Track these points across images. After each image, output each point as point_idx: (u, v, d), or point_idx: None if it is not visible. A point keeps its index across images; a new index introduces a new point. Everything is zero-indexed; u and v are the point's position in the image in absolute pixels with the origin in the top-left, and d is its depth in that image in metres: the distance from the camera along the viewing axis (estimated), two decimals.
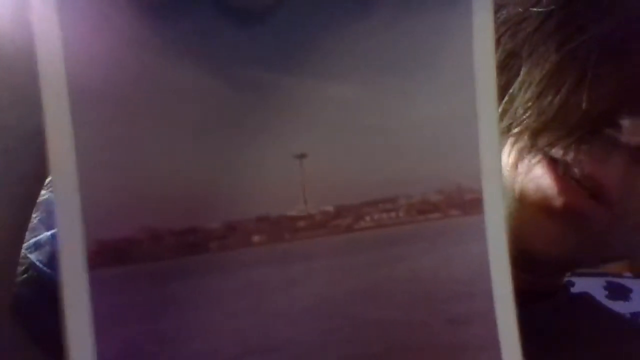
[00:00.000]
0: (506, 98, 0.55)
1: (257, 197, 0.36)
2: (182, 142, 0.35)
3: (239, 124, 0.36)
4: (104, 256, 0.35)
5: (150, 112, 0.35)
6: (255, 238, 0.36)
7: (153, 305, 0.35)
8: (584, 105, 0.50)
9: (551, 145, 0.53)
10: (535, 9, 0.53)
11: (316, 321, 0.36)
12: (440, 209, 0.37)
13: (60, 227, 0.34)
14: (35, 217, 0.51)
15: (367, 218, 0.37)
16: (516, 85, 0.54)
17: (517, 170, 0.56)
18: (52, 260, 0.56)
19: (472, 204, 0.37)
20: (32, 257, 0.56)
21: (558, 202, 0.54)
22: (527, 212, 0.56)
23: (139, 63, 0.34)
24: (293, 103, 0.36)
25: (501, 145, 0.53)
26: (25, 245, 0.52)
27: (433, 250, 0.37)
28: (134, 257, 0.35)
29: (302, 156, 0.36)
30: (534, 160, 0.55)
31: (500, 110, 0.54)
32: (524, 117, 0.53)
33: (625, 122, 0.51)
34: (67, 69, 0.33)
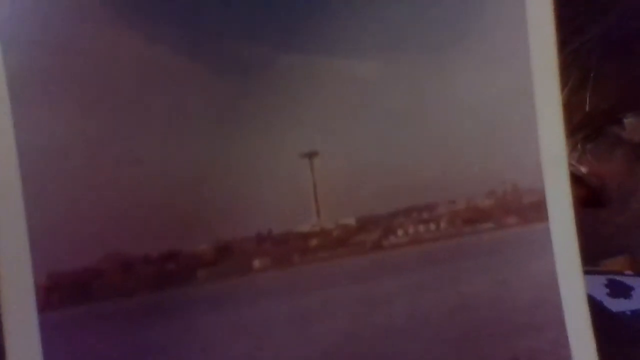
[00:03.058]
0: None
1: (257, 209, 0.28)
2: (158, 141, 0.27)
3: (231, 116, 0.28)
4: (58, 293, 0.26)
5: (115, 104, 0.27)
6: (256, 263, 0.28)
7: (123, 356, 0.27)
8: (587, 104, 0.53)
9: None
10: None
11: None
12: (492, 217, 0.29)
13: (1, 257, 0.26)
14: None
15: (399, 232, 0.28)
16: None
17: None
18: None
19: (533, 209, 0.29)
20: None
21: None
22: None
23: (94, 38, 0.26)
24: (299, 88, 0.28)
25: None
26: None
27: (486, 271, 0.29)
28: (97, 294, 0.27)
29: (312, 155, 0.28)
30: None
31: None
32: None
33: (628, 120, 0.53)
34: (5, 54, 0.26)
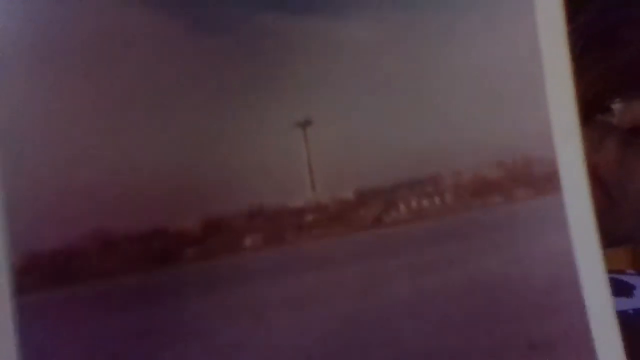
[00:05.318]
0: None
1: (247, 183, 0.26)
2: (140, 110, 0.26)
3: (218, 83, 0.26)
4: (37, 274, 0.25)
5: (90, 71, 0.26)
6: (247, 240, 0.26)
7: (105, 341, 0.25)
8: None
9: None
10: None
11: (336, 354, 0.25)
12: (501, 189, 0.26)
13: None
14: None
15: (401, 206, 0.26)
16: None
17: None
18: None
19: (545, 180, 0.26)
20: None
21: None
22: None
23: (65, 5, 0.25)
24: (291, 52, 0.26)
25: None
26: None
27: (497, 248, 0.26)
28: (78, 274, 0.25)
29: (305, 123, 0.26)
30: None
31: None
32: None
33: (617, 106, 0.53)
34: None
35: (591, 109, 0.54)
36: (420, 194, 0.26)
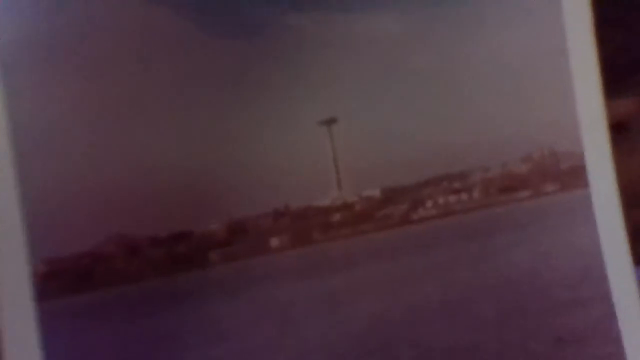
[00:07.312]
0: None
1: (272, 183, 0.25)
2: (162, 112, 0.25)
3: (240, 83, 0.25)
4: (57, 281, 0.24)
5: (116, 75, 0.25)
6: (273, 241, 0.25)
7: (130, 347, 0.24)
8: None
9: None
10: None
11: (365, 355, 0.25)
12: (529, 184, 0.26)
13: None
14: None
15: (429, 203, 0.26)
16: None
17: None
18: None
19: (572, 174, 0.26)
20: None
21: None
22: None
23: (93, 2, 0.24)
24: (312, 49, 0.26)
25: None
26: None
27: (525, 244, 0.26)
28: (100, 280, 0.24)
29: (330, 121, 0.25)
30: None
31: None
32: None
33: None
34: None
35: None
36: (447, 191, 0.26)
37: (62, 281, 0.25)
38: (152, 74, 0.24)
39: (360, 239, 0.26)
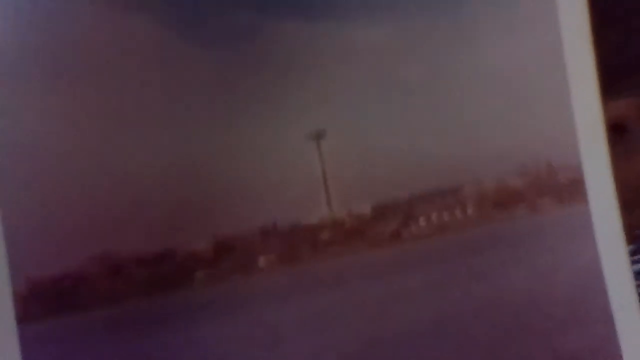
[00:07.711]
0: None
1: (259, 200, 0.25)
2: (146, 125, 0.24)
3: (225, 95, 0.25)
4: (39, 301, 0.23)
5: (98, 89, 0.24)
6: (261, 260, 0.25)
7: None
8: None
9: None
10: None
11: None
12: (525, 199, 0.25)
13: None
14: None
15: (421, 220, 0.25)
16: None
17: None
18: None
19: (570, 189, 0.25)
20: None
21: None
22: None
23: (75, 15, 0.24)
24: (300, 59, 0.25)
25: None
26: None
27: (521, 262, 0.25)
28: (83, 301, 0.24)
29: (319, 135, 0.25)
30: None
31: None
32: None
33: None
34: None
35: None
36: (440, 207, 0.25)
37: (45, 302, 0.24)
38: (135, 88, 0.24)
39: (350, 257, 0.25)
